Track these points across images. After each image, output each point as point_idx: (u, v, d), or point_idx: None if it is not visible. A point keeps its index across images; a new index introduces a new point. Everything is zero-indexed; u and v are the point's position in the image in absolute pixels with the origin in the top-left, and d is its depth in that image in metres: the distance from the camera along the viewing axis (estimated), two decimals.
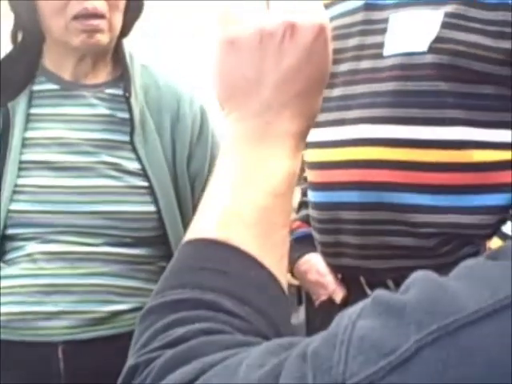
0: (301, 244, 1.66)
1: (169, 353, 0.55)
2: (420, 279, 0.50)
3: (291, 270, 1.71)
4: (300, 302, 1.92)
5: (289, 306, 0.66)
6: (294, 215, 1.78)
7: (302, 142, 0.69)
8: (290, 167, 0.67)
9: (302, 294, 1.90)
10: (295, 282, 1.87)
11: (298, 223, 1.71)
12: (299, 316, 1.90)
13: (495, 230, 1.41)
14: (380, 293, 0.49)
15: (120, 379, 0.57)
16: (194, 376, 0.52)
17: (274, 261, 0.63)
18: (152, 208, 1.59)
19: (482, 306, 0.44)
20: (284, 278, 0.64)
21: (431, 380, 0.43)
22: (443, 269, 1.33)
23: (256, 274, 0.62)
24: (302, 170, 2.16)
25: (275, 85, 0.67)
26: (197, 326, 0.56)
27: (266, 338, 0.57)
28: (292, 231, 1.69)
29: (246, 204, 0.64)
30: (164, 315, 0.58)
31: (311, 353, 0.48)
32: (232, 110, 0.68)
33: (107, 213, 1.57)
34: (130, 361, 0.57)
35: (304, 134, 0.69)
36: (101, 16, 1.56)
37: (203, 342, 0.55)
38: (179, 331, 0.56)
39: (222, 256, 0.62)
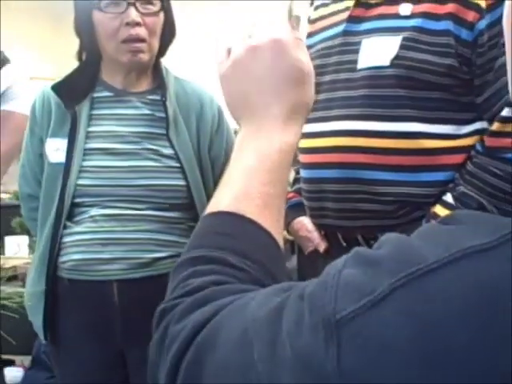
0: (294, 209, 1.65)
1: (188, 299, 0.55)
2: (391, 238, 0.49)
3: (287, 228, 1.68)
4: (293, 252, 1.91)
5: (284, 257, 0.65)
6: (289, 189, 1.80)
7: (292, 121, 0.67)
8: (281, 142, 0.65)
9: (294, 246, 1.89)
10: (290, 237, 1.82)
11: (292, 194, 1.69)
12: (292, 263, 1.89)
13: (438, 199, 1.39)
14: (360, 249, 0.49)
15: (153, 320, 0.58)
16: (213, 314, 0.52)
17: (272, 223, 0.63)
18: (182, 182, 1.58)
19: (439, 259, 0.43)
20: (280, 236, 0.64)
21: (401, 314, 0.42)
22: (399, 227, 1.37)
23: (256, 234, 0.62)
24: (295, 155, 2.19)
25: (259, 90, 0.67)
26: (208, 278, 0.57)
27: (263, 285, 0.56)
28: (287, 200, 1.66)
29: (250, 183, 0.64)
30: (186, 268, 0.59)
31: (308, 294, 0.47)
32: (239, 117, 0.69)
33: (149, 186, 1.56)
34: (160, 306, 0.58)
35: (288, 114, 0.67)
36: (142, 40, 1.54)
37: (214, 290, 0.55)
38: (196, 282, 0.57)
39: (231, 223, 0.62)
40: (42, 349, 1.99)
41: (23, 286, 2.21)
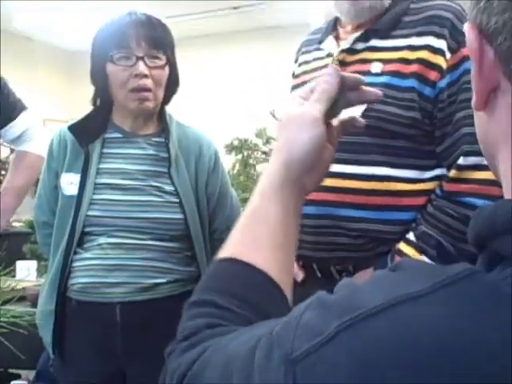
0: None
1: (185, 343, 0.60)
2: (345, 284, 0.52)
3: None
4: None
5: (282, 298, 0.66)
6: None
7: (296, 191, 0.73)
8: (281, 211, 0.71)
9: None
10: None
11: None
12: None
13: (402, 236, 1.42)
14: (321, 293, 0.51)
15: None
16: (201, 352, 0.56)
17: (273, 268, 0.66)
18: (181, 216, 1.64)
19: (377, 304, 0.45)
20: (285, 285, 0.67)
21: (343, 353, 0.44)
22: (367, 260, 1.45)
23: (249, 276, 0.66)
24: None
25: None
26: (201, 320, 0.61)
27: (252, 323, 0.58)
28: None
29: (253, 234, 0.69)
30: (187, 310, 0.64)
31: (276, 332, 0.50)
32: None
33: (151, 218, 1.62)
34: (166, 349, 0.63)
35: (294, 183, 0.73)
36: (148, 90, 1.61)
37: (206, 334, 0.59)
38: (191, 325, 0.61)
39: (230, 268, 0.67)
40: (48, 363, 2.06)
41: (32, 306, 2.31)
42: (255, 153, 2.43)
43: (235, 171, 2.37)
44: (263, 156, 2.43)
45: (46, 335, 1.69)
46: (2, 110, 2.05)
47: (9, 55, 4.98)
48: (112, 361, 1.62)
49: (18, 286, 2.62)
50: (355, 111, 1.43)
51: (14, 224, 3.36)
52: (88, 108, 1.76)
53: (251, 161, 2.42)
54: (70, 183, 1.67)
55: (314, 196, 1.44)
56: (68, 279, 1.64)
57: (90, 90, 1.74)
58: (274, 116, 2.12)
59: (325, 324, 0.47)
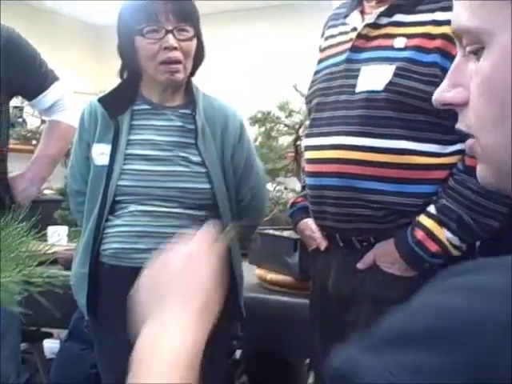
0: (301, 212, 1.68)
1: None
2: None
3: (294, 228, 1.74)
4: (295, 250, 1.98)
5: None
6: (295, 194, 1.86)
7: (201, 319, 0.67)
8: (189, 340, 0.64)
9: (297, 244, 1.95)
10: (294, 237, 1.90)
11: (300, 198, 1.73)
12: (294, 258, 1.96)
13: (422, 209, 1.41)
14: None
15: None
16: None
17: None
18: (208, 186, 1.64)
19: None
20: None
21: None
22: (387, 231, 1.45)
23: None
24: (299, 165, 2.24)
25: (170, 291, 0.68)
26: None
27: None
28: (296, 204, 1.74)
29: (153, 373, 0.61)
30: None
31: None
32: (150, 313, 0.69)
33: (179, 188, 1.62)
34: None
35: (198, 312, 0.67)
36: (178, 62, 1.59)
37: None
38: None
39: None
40: (80, 323, 2.08)
41: (63, 269, 2.32)
42: (277, 125, 2.39)
43: (257, 143, 2.35)
44: (285, 129, 2.40)
45: (80, 297, 1.70)
46: (34, 81, 2.05)
47: (38, 30, 4.96)
48: None
49: (50, 250, 2.64)
50: (377, 85, 1.44)
51: (46, 192, 3.37)
52: (116, 81, 1.75)
53: (273, 133, 2.39)
54: (100, 154, 1.67)
55: (335, 168, 1.47)
56: (100, 245, 1.66)
57: (117, 64, 1.72)
58: (296, 89, 2.09)
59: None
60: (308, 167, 1.60)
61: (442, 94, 0.55)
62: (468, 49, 0.52)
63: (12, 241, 0.85)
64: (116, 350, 1.61)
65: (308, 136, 1.61)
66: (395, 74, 1.41)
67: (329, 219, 1.52)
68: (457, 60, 0.55)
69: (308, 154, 1.59)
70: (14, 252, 0.86)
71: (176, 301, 0.69)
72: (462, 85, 0.54)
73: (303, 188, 1.75)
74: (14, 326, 1.85)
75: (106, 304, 1.67)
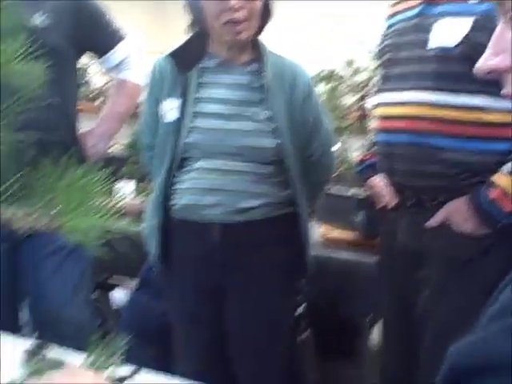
0: (370, 169, 1.67)
1: None
2: None
3: (363, 185, 1.75)
4: (360, 209, 1.96)
5: None
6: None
7: None
8: None
9: (362, 203, 1.94)
10: (359, 196, 1.91)
11: (369, 155, 1.71)
12: (358, 217, 1.95)
13: (496, 167, 1.39)
14: None
15: None
16: None
17: None
18: (276, 142, 1.62)
19: None
20: None
21: None
22: (458, 190, 1.41)
23: None
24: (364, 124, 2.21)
25: None
26: None
27: None
28: (364, 161, 1.72)
29: None
30: None
31: None
32: None
33: (247, 144, 1.60)
34: None
35: None
36: (242, 22, 1.57)
37: None
38: None
39: None
40: (150, 273, 2.13)
41: (132, 221, 2.37)
42: (341, 84, 2.35)
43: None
44: (349, 88, 2.36)
45: (152, 248, 1.74)
46: (103, 38, 2.05)
47: None
48: (212, 277, 1.67)
49: (119, 204, 2.70)
50: (452, 40, 1.38)
51: (114, 148, 3.44)
52: (182, 40, 1.74)
53: (337, 93, 2.36)
54: (169, 110, 1.67)
55: (406, 124, 1.45)
56: (170, 199, 1.68)
57: (183, 24, 1.72)
58: (363, 46, 2.04)
59: None
60: (379, 124, 1.57)
61: (486, 62, 0.54)
62: (509, 15, 0.51)
63: (90, 188, 0.86)
64: (184, 299, 1.71)
65: (379, 92, 1.57)
66: (472, 28, 1.37)
67: (399, 176, 1.50)
68: (499, 27, 0.53)
69: (379, 111, 1.56)
70: (92, 200, 0.87)
71: None
72: (505, 51, 0.53)
73: (372, 145, 1.73)
74: (88, 273, 1.91)
75: (176, 256, 1.71)
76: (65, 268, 1.80)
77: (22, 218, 0.82)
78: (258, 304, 1.64)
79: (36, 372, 0.96)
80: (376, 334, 2.22)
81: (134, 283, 2.72)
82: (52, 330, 1.76)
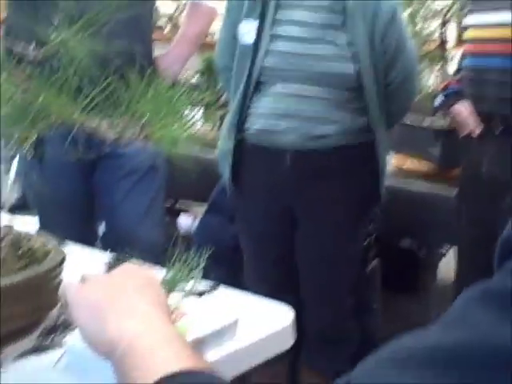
0: (456, 95, 1.62)
1: None
2: None
3: (444, 113, 1.69)
4: (437, 139, 1.89)
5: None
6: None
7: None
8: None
9: (439, 134, 1.87)
10: (436, 127, 1.85)
11: (453, 82, 1.65)
12: (436, 147, 1.89)
13: None
14: None
15: None
16: None
17: None
18: (355, 68, 1.57)
19: None
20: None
21: None
22: None
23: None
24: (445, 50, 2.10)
25: None
26: None
27: None
28: (448, 87, 1.65)
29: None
30: None
31: None
32: None
33: (325, 70, 1.56)
34: None
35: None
36: None
37: None
38: None
39: None
40: (221, 196, 2.14)
41: (201, 147, 2.38)
42: (422, 10, 2.23)
43: None
44: (431, 13, 2.23)
45: (225, 171, 1.75)
46: None
47: None
48: (282, 202, 1.67)
49: (188, 131, 2.70)
50: None
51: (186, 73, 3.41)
52: None
53: (418, 18, 2.23)
54: (246, 32, 1.64)
55: (500, 47, 1.39)
56: (244, 123, 1.67)
57: None
58: None
59: None
60: (469, 47, 1.52)
61: None
62: None
63: (177, 100, 0.84)
64: (254, 219, 1.74)
65: (470, 13, 1.47)
66: None
67: (487, 103, 1.46)
68: None
69: (470, 33, 1.50)
70: (178, 111, 0.85)
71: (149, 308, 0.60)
72: None
73: (457, 71, 1.67)
74: (161, 195, 1.93)
75: (247, 179, 1.71)
76: (138, 189, 1.83)
77: (108, 128, 0.81)
78: (328, 229, 1.64)
79: None
80: (442, 270, 2.18)
81: (200, 209, 2.76)
82: (125, 249, 1.81)
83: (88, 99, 0.75)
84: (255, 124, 1.64)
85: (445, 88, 1.66)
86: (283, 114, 1.59)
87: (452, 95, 1.63)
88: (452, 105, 1.63)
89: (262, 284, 1.75)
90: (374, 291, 2.12)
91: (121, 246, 1.80)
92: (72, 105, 0.74)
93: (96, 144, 1.56)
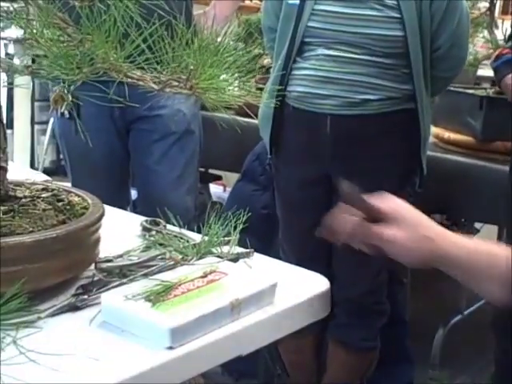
0: (508, 65, 1.56)
1: None
2: None
3: (498, 84, 1.61)
4: (481, 108, 1.82)
5: None
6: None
7: None
8: None
9: (483, 102, 1.80)
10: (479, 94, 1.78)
11: (507, 50, 1.59)
12: (479, 118, 1.81)
13: None
14: None
15: None
16: None
17: None
18: (401, 33, 1.50)
19: None
20: None
21: None
22: None
23: None
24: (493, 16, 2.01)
25: None
26: None
27: None
28: (501, 56, 1.59)
29: None
30: None
31: None
32: None
33: (370, 33, 1.51)
34: None
35: None
36: None
37: None
38: None
39: None
40: (253, 165, 2.10)
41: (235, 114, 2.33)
42: None
43: None
44: None
45: (265, 134, 1.71)
46: None
47: None
48: (321, 168, 1.63)
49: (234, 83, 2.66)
50: None
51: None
52: None
53: None
54: None
55: None
56: (287, 86, 1.62)
57: None
58: None
59: None
60: None
61: None
62: None
63: (223, 51, 0.79)
64: (293, 187, 1.69)
65: None
66: None
67: None
68: None
69: None
70: (225, 62, 0.81)
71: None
72: None
73: (510, 38, 1.61)
74: (194, 162, 1.90)
75: (287, 144, 1.67)
76: (173, 153, 1.80)
77: (152, 79, 0.77)
78: None
79: (155, 241, 0.95)
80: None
81: (232, 176, 2.73)
82: (156, 214, 1.79)
83: (133, 46, 0.70)
84: (297, 87, 1.60)
85: (497, 57, 1.57)
86: (325, 78, 1.55)
87: (504, 64, 1.56)
88: (506, 74, 1.57)
89: (294, 254, 1.72)
90: (403, 265, 2.06)
91: (153, 211, 1.84)
92: (117, 51, 0.70)
93: (132, 106, 1.55)
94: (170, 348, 0.68)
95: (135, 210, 2.11)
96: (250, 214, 2.03)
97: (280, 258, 1.76)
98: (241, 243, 0.95)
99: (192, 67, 0.76)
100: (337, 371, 1.80)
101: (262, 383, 1.94)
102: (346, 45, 1.53)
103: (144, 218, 1.07)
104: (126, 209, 1.92)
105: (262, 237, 1.92)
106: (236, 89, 0.82)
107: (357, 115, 1.54)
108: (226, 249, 0.94)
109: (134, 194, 2.01)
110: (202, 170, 2.75)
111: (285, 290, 0.85)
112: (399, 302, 1.96)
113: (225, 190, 3.10)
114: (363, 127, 1.55)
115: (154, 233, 1.00)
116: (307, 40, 1.57)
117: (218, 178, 3.10)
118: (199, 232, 0.95)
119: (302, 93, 1.59)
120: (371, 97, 1.54)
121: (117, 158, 1.82)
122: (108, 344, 0.69)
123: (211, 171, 2.99)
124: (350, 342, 1.75)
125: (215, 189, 3.22)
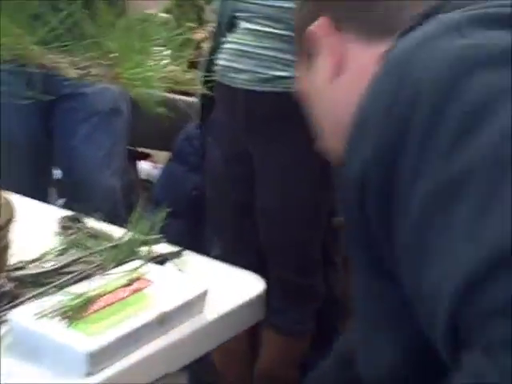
0: None
1: None
2: None
3: None
4: None
5: None
6: None
7: None
8: None
9: None
10: None
11: None
12: None
13: None
14: None
15: None
16: None
17: None
18: None
19: None
20: None
21: None
22: None
23: None
24: None
25: None
26: None
27: None
28: None
29: None
30: None
31: None
32: None
33: (290, 8, 1.37)
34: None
35: None
36: None
37: None
38: None
39: None
40: (184, 145, 2.02)
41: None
42: None
43: None
44: None
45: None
46: None
47: None
48: (241, 144, 1.58)
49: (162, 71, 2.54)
50: None
51: None
52: None
53: None
54: None
55: None
56: (215, 61, 1.58)
57: None
58: None
59: None
60: None
61: None
62: None
63: (152, 34, 0.71)
64: (217, 163, 1.62)
65: None
66: None
67: None
68: None
69: None
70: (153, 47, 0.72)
71: None
72: None
73: None
74: (122, 142, 1.80)
75: (213, 119, 1.64)
76: (99, 133, 1.72)
77: (69, 65, 0.66)
78: (285, 176, 1.53)
79: (74, 242, 0.87)
80: None
81: (161, 154, 2.62)
82: (81, 196, 1.70)
83: (47, 29, 0.60)
84: (220, 61, 1.54)
85: None
86: (242, 51, 1.50)
87: None
88: None
89: (221, 233, 1.68)
90: (336, 243, 2.02)
91: (77, 192, 1.74)
92: (28, 35, 0.59)
93: (54, 83, 1.43)
94: (89, 374, 0.59)
95: (60, 190, 2.00)
96: (179, 195, 1.95)
97: (210, 240, 1.74)
98: (169, 228, 0.87)
99: (116, 53, 0.66)
100: (270, 356, 1.76)
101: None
102: (268, 19, 1.47)
103: (63, 213, 0.96)
104: (47, 192, 1.84)
105: (191, 219, 1.90)
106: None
107: (268, 92, 1.49)
108: (153, 248, 0.86)
109: (59, 173, 1.89)
110: (131, 148, 2.63)
111: (217, 296, 0.78)
112: (332, 282, 1.92)
113: (155, 168, 2.98)
114: (275, 105, 1.49)
115: (74, 230, 0.89)
116: (237, 14, 1.52)
117: (147, 156, 2.97)
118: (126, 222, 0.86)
119: (222, 66, 1.54)
120: (283, 73, 1.47)
121: (39, 137, 1.71)
122: (18, 369, 0.60)
123: (140, 149, 2.87)
124: (283, 326, 1.70)
125: (145, 165, 3.09)
